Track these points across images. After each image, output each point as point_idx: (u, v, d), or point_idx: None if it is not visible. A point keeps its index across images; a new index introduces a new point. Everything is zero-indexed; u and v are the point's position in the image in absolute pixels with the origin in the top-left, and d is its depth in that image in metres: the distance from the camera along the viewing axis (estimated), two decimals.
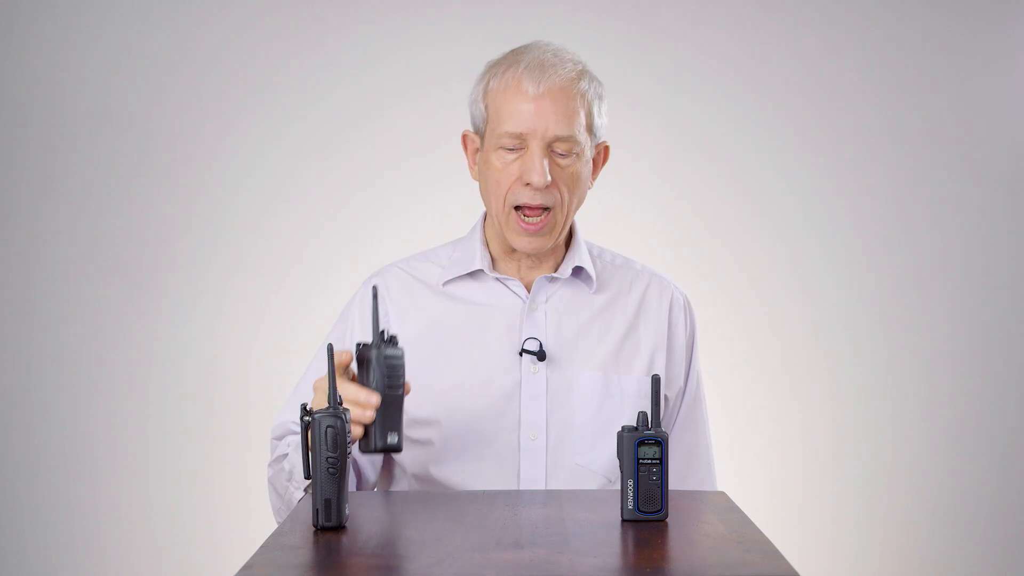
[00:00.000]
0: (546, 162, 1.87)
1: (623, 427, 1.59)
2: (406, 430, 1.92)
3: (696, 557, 1.44)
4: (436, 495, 1.82)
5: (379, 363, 1.66)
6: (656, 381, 1.60)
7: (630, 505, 1.57)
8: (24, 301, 3.41)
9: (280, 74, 3.46)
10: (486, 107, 1.92)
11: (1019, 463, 3.63)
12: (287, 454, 1.86)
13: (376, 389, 1.65)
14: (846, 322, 3.59)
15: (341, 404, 1.58)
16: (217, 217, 3.45)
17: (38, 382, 3.42)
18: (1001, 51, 3.59)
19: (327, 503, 1.52)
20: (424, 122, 3.44)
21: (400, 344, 1.70)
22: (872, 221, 3.58)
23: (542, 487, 1.90)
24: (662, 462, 1.57)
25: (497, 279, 1.98)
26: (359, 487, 1.95)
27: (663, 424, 1.99)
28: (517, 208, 1.90)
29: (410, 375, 1.95)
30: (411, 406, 1.92)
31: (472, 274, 1.98)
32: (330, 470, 1.52)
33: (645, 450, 1.57)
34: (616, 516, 1.59)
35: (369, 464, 1.97)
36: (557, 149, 1.88)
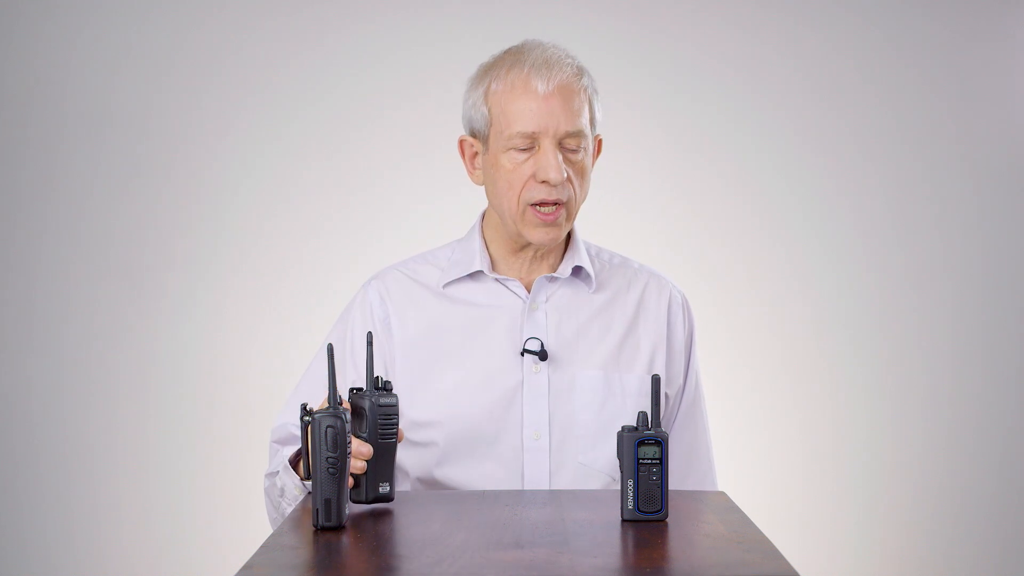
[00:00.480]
0: (560, 158, 1.88)
1: (623, 427, 1.59)
2: (408, 433, 1.92)
3: (696, 557, 1.44)
4: (436, 495, 1.82)
5: (372, 412, 1.63)
6: (656, 381, 1.60)
7: (630, 505, 1.57)
8: (24, 301, 3.41)
9: (280, 74, 3.46)
10: (490, 109, 1.91)
11: (1019, 463, 3.63)
12: (279, 472, 1.86)
13: (368, 439, 1.63)
14: (846, 322, 3.59)
15: (341, 404, 1.58)
16: (217, 217, 3.45)
17: (38, 382, 3.42)
18: (1001, 51, 3.59)
19: (327, 503, 1.52)
20: (424, 122, 3.44)
21: (394, 391, 1.69)
22: (872, 221, 3.58)
23: (546, 486, 1.91)
24: (662, 462, 1.57)
25: (497, 280, 1.98)
26: None
27: (662, 423, 2.00)
28: (531, 205, 1.90)
29: (412, 377, 1.95)
30: (413, 408, 1.93)
31: (472, 275, 1.98)
32: (330, 470, 1.52)
33: (645, 450, 1.57)
34: (616, 516, 1.59)
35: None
36: (568, 145, 1.90)
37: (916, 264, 3.59)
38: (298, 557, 1.42)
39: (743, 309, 3.56)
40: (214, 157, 3.45)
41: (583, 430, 1.93)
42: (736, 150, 3.55)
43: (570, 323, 1.97)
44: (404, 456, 1.94)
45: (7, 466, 3.42)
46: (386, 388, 1.66)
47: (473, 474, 1.91)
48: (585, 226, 2.05)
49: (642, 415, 1.59)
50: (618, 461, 1.58)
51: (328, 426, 1.52)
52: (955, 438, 3.61)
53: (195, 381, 3.44)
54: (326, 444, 1.52)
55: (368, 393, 1.64)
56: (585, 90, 1.92)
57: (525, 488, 1.90)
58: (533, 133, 1.88)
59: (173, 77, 3.43)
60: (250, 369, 3.44)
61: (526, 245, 1.96)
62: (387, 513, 1.63)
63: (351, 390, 1.66)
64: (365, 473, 1.63)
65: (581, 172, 1.92)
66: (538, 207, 1.90)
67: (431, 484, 1.93)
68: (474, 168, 1.98)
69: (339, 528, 1.52)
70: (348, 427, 1.54)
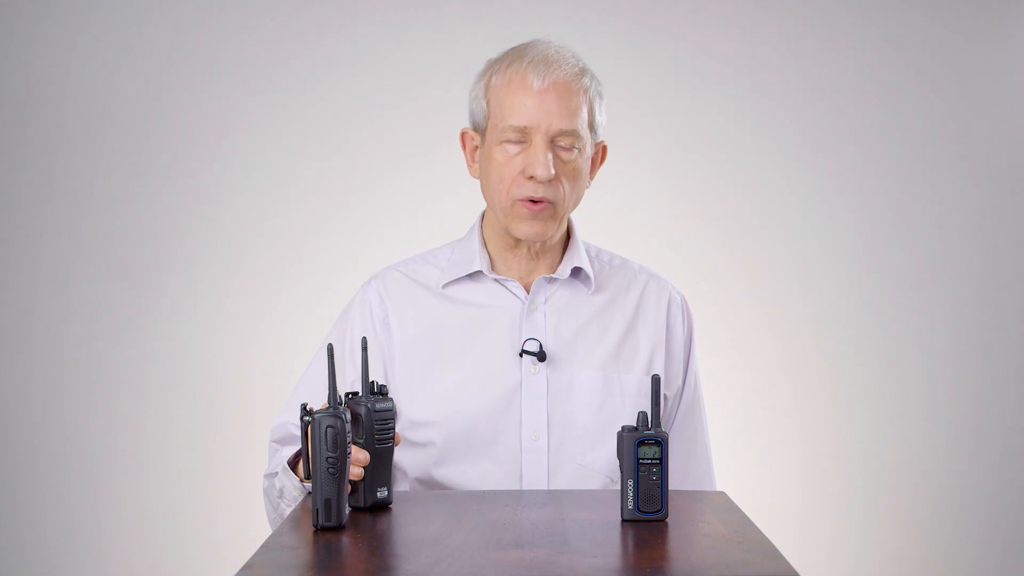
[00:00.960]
0: (550, 156, 1.88)
1: (623, 427, 1.59)
2: (407, 433, 1.92)
3: (696, 557, 1.44)
4: (436, 495, 1.82)
5: (368, 418, 1.63)
6: (656, 381, 1.60)
7: (630, 505, 1.57)
8: (24, 301, 3.41)
9: (280, 74, 3.45)
10: (488, 103, 1.92)
11: (1019, 463, 3.63)
12: (278, 472, 1.86)
13: (365, 445, 1.63)
14: (846, 322, 3.59)
15: (341, 404, 1.58)
16: (217, 217, 3.45)
17: (38, 382, 3.42)
18: (1001, 51, 3.59)
19: (327, 503, 1.52)
20: (424, 122, 3.44)
21: (390, 395, 1.69)
22: (872, 221, 3.58)
23: (544, 487, 1.91)
24: (662, 462, 1.57)
25: (496, 280, 1.98)
26: None
27: (661, 424, 2.00)
28: (519, 200, 1.90)
29: (411, 377, 1.95)
30: (411, 408, 1.93)
31: (471, 275, 1.99)
32: (330, 470, 1.52)
33: (645, 450, 1.57)
34: (616, 516, 1.59)
35: None
36: (560, 143, 1.89)
37: (916, 264, 3.59)
38: (298, 557, 1.42)
39: (743, 309, 3.56)
40: (214, 157, 3.45)
41: (582, 431, 1.93)
42: (736, 150, 3.55)
43: (569, 324, 1.97)
44: (403, 456, 1.94)
45: (7, 466, 3.42)
46: (382, 392, 1.66)
47: (472, 474, 1.91)
48: (585, 226, 2.05)
49: (642, 415, 1.59)
50: (617, 462, 1.58)
51: (328, 426, 1.52)
52: (955, 438, 3.61)
53: (195, 381, 3.44)
54: (326, 444, 1.52)
55: (364, 399, 1.64)
56: (585, 91, 1.91)
57: (523, 488, 1.90)
58: (525, 128, 1.88)
59: (173, 77, 3.43)
60: (250, 369, 3.44)
61: (519, 241, 1.96)
62: (387, 513, 1.63)
63: (347, 395, 1.66)
64: (363, 479, 1.63)
65: (573, 173, 1.91)
66: (526, 202, 1.90)
67: (430, 484, 1.93)
68: (473, 161, 1.98)
69: (339, 528, 1.52)
70: (348, 427, 1.54)
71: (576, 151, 1.91)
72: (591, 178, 1.99)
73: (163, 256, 3.44)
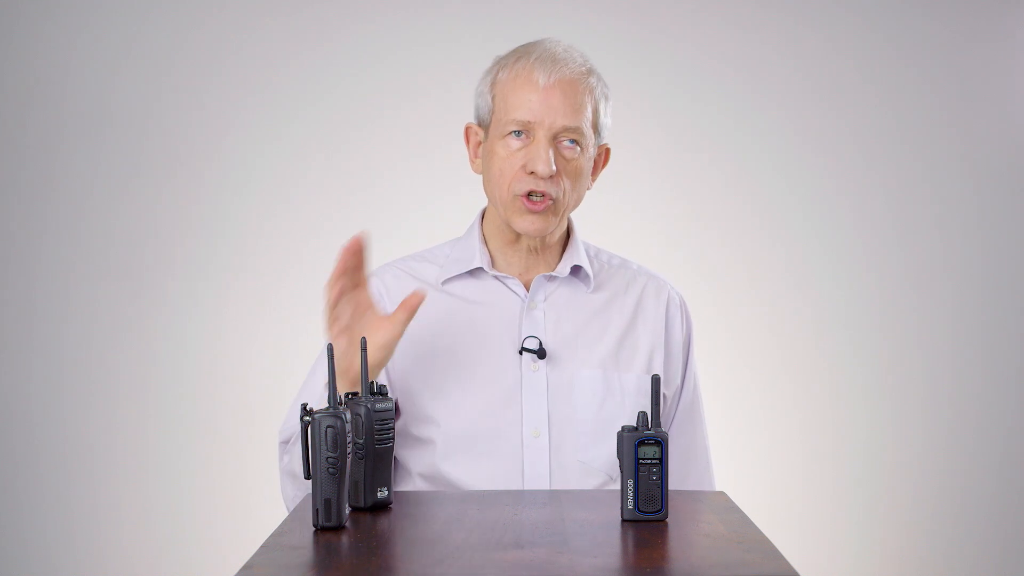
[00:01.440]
0: (551, 152, 1.88)
1: (623, 427, 1.59)
2: (408, 427, 1.92)
3: (696, 557, 1.44)
4: (436, 495, 1.82)
5: (368, 418, 1.63)
6: (656, 381, 1.60)
7: (630, 505, 1.57)
8: (24, 301, 3.41)
9: (280, 74, 3.45)
10: (493, 98, 1.93)
11: (1019, 463, 3.63)
12: (296, 434, 1.87)
13: (364, 444, 1.62)
14: (846, 322, 3.59)
15: (341, 404, 1.58)
16: (217, 217, 3.45)
17: (38, 382, 3.42)
18: (1001, 51, 3.59)
19: (327, 503, 1.52)
20: (424, 122, 3.44)
21: (390, 394, 1.69)
22: (872, 221, 3.58)
23: (546, 484, 1.91)
24: (662, 462, 1.57)
25: (496, 277, 1.98)
26: None
27: (660, 424, 2.00)
28: (520, 195, 1.91)
29: (410, 374, 1.95)
30: (412, 405, 1.93)
31: (471, 272, 1.99)
32: (330, 470, 1.52)
33: (645, 450, 1.57)
34: (616, 516, 1.59)
35: None
36: (563, 140, 1.90)
37: (916, 264, 3.59)
38: (298, 557, 1.42)
39: (743, 309, 3.56)
40: (214, 157, 3.45)
41: (582, 428, 1.93)
42: (736, 150, 3.55)
43: (568, 322, 1.97)
44: (405, 453, 1.94)
45: (7, 466, 3.42)
46: (382, 392, 1.66)
47: (473, 470, 1.91)
48: (585, 226, 2.05)
49: (642, 415, 1.59)
50: (617, 460, 1.58)
51: (328, 426, 1.52)
52: (955, 438, 3.61)
53: (195, 381, 3.44)
54: (326, 444, 1.52)
55: (363, 399, 1.64)
56: (591, 91, 1.92)
57: (525, 485, 1.91)
58: (528, 123, 1.89)
59: (173, 77, 3.43)
60: (250, 369, 3.44)
61: (519, 236, 1.96)
62: (387, 513, 1.63)
63: (346, 395, 1.66)
64: (363, 479, 1.63)
65: (575, 172, 1.92)
66: (526, 197, 1.90)
67: (433, 480, 1.93)
68: (476, 156, 1.99)
69: (339, 528, 1.52)
70: (348, 427, 1.54)
71: (578, 150, 1.91)
72: (593, 180, 1.99)
73: (163, 256, 3.44)
